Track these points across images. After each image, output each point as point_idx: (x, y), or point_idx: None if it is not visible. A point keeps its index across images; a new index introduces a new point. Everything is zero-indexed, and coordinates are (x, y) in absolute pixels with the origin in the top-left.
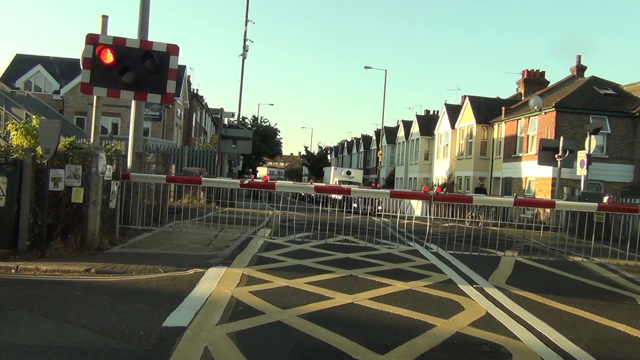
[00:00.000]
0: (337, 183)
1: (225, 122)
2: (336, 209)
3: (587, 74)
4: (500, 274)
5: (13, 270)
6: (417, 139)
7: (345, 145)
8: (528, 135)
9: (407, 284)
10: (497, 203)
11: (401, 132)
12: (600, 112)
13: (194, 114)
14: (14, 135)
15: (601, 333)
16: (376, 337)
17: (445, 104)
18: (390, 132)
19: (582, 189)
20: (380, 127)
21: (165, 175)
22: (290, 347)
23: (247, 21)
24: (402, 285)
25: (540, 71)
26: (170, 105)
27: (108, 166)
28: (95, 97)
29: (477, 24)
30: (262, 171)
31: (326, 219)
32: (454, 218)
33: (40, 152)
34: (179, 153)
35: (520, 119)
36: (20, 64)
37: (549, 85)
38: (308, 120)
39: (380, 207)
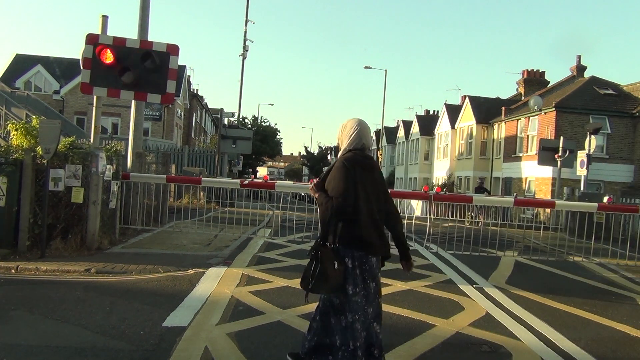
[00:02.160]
0: None
1: (225, 122)
2: None
3: (587, 74)
4: (500, 274)
5: (13, 270)
6: (417, 139)
7: None
8: (528, 135)
9: (407, 284)
10: (497, 203)
11: (401, 132)
12: (600, 112)
13: (194, 114)
14: (14, 135)
15: (601, 333)
16: None
17: (445, 104)
18: (390, 132)
19: (582, 189)
20: (380, 127)
21: (165, 175)
22: (291, 347)
23: (247, 21)
24: (402, 285)
25: (540, 71)
26: (170, 105)
27: (108, 166)
28: (95, 97)
29: (477, 24)
30: (262, 171)
31: None
32: (454, 218)
33: (40, 152)
34: (179, 153)
35: (520, 119)
36: (20, 64)
37: (549, 85)
38: (308, 120)
39: None
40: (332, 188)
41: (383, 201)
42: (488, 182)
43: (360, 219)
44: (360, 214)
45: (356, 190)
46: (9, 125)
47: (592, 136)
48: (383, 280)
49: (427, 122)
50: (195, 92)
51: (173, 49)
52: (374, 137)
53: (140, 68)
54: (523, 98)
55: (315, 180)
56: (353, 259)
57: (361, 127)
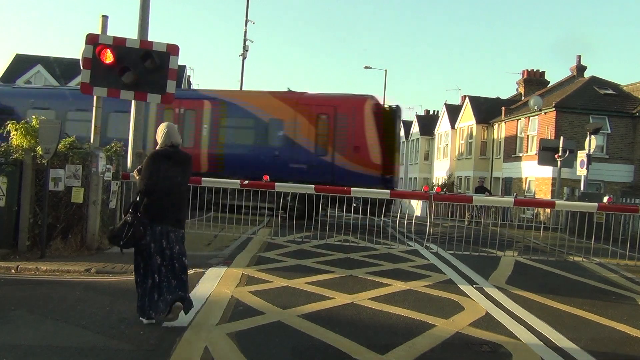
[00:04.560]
0: None
1: None
2: (336, 209)
3: (587, 74)
4: (500, 274)
5: (13, 270)
6: (417, 139)
7: None
8: (528, 135)
9: (407, 284)
10: (497, 203)
11: (401, 132)
12: (600, 112)
13: None
14: (14, 135)
15: (601, 333)
16: (376, 337)
17: (445, 104)
18: None
19: (582, 189)
20: None
21: None
22: (290, 347)
23: (247, 21)
24: (402, 285)
25: (540, 71)
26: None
27: (108, 166)
28: (95, 97)
29: (477, 24)
30: None
31: (326, 219)
32: (454, 218)
33: (40, 152)
34: None
35: (520, 119)
36: (20, 64)
37: (549, 85)
38: None
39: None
40: (141, 173)
41: (184, 186)
42: (488, 182)
43: (157, 197)
44: (158, 193)
45: (158, 175)
46: (9, 125)
47: (592, 136)
48: (383, 280)
49: (427, 122)
50: None
51: (173, 49)
52: None
53: (140, 68)
54: (523, 98)
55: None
56: (149, 227)
57: (168, 129)
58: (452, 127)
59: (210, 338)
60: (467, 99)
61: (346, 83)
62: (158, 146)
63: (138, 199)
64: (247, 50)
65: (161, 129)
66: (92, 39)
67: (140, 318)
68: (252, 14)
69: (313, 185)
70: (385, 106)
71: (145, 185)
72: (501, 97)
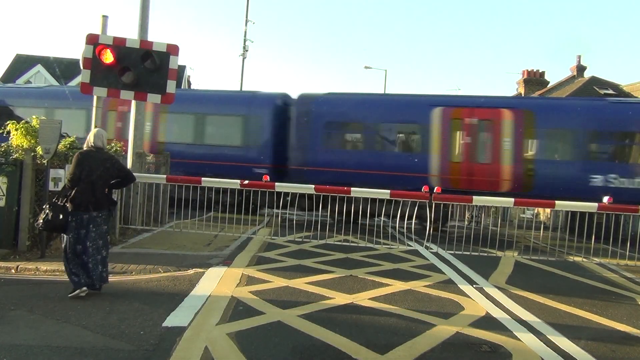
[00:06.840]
0: None
1: None
2: (336, 209)
3: (587, 74)
4: (500, 274)
5: (13, 270)
6: None
7: None
8: None
9: (407, 284)
10: (497, 203)
11: None
12: None
13: None
14: (14, 135)
15: (601, 333)
16: (376, 337)
17: None
18: None
19: None
20: None
21: (165, 175)
22: (290, 347)
23: (247, 21)
24: (402, 285)
25: (540, 71)
26: None
27: None
28: (95, 97)
29: (477, 24)
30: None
31: (326, 219)
32: (454, 218)
33: (40, 152)
34: None
35: None
36: (20, 64)
37: (549, 85)
38: None
39: None
40: (69, 169)
41: (111, 177)
42: None
43: (80, 189)
44: (80, 186)
45: (81, 171)
46: (9, 125)
47: None
48: (383, 280)
49: None
50: None
51: (173, 49)
52: None
53: (140, 68)
54: None
55: None
56: (72, 214)
57: (93, 134)
58: None
59: (210, 338)
60: None
61: (347, 83)
62: (84, 146)
63: (64, 191)
64: (247, 50)
65: (90, 134)
66: (92, 39)
67: (77, 290)
68: (252, 14)
69: (313, 186)
70: None
71: (69, 180)
72: None
